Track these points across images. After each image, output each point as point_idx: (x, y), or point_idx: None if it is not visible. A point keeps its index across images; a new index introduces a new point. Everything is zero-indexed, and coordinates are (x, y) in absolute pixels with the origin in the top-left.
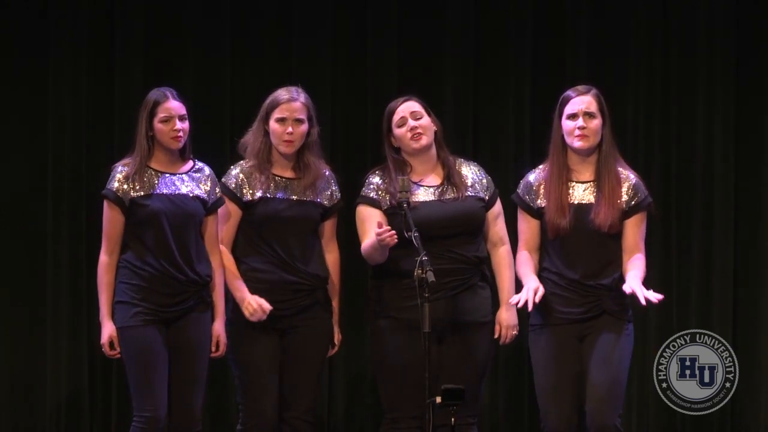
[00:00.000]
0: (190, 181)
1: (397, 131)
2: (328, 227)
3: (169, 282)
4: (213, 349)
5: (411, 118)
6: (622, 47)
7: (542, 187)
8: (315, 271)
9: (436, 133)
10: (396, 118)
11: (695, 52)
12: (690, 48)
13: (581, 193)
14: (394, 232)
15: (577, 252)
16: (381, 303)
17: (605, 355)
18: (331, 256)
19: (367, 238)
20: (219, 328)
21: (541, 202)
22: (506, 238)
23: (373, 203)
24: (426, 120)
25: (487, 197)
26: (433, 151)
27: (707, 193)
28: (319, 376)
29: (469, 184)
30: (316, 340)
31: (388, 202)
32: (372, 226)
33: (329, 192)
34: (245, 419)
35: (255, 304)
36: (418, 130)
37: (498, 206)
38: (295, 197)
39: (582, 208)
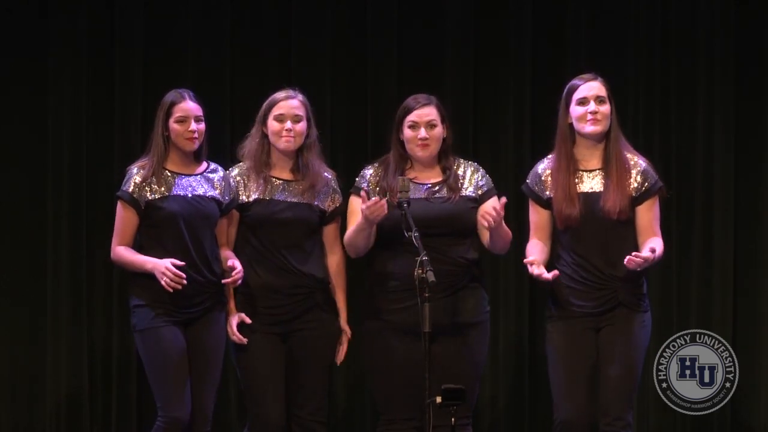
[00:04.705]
0: (205, 182)
1: (407, 133)
2: (331, 231)
3: (187, 284)
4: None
5: (424, 126)
6: (622, 48)
7: (550, 177)
8: (311, 271)
9: (445, 140)
10: (410, 119)
11: (695, 52)
12: (690, 48)
13: (589, 181)
14: (384, 202)
15: (590, 242)
16: (371, 305)
17: (620, 348)
18: (335, 258)
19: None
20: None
21: (549, 192)
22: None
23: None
24: (438, 130)
25: (477, 194)
26: (436, 156)
27: (707, 192)
28: (326, 377)
29: (464, 186)
30: (318, 341)
31: (377, 196)
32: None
33: (329, 196)
34: (252, 424)
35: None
36: (427, 141)
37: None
38: (291, 199)
39: (591, 197)
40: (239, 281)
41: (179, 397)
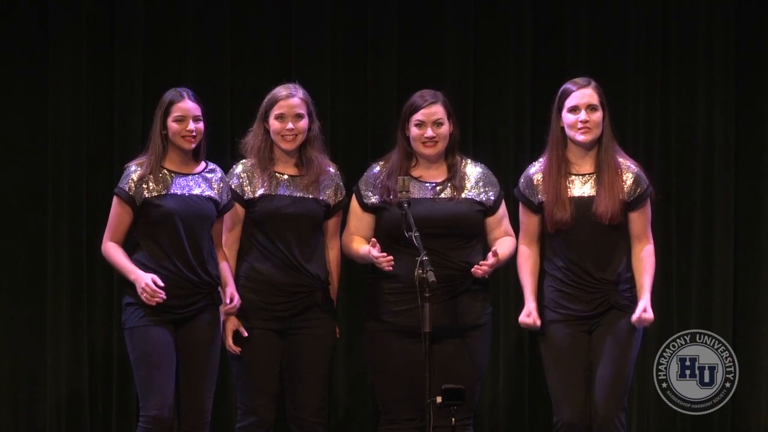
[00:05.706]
0: (203, 182)
1: (414, 131)
2: (332, 224)
3: (182, 284)
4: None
5: (431, 126)
6: (622, 48)
7: (541, 180)
8: (315, 271)
9: (451, 136)
10: (416, 117)
11: (695, 52)
12: (690, 48)
13: (581, 186)
14: (391, 258)
15: (581, 246)
16: (372, 306)
17: (611, 350)
18: (333, 253)
19: (352, 236)
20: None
21: (541, 196)
22: (512, 233)
23: (360, 197)
24: (445, 128)
25: (487, 201)
26: (443, 152)
27: (707, 193)
28: (325, 376)
29: (469, 187)
30: (317, 341)
31: (377, 198)
32: (355, 224)
33: (333, 189)
34: (242, 417)
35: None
36: (435, 139)
37: (502, 209)
38: (296, 194)
39: (583, 201)
40: (234, 311)
41: (159, 396)
